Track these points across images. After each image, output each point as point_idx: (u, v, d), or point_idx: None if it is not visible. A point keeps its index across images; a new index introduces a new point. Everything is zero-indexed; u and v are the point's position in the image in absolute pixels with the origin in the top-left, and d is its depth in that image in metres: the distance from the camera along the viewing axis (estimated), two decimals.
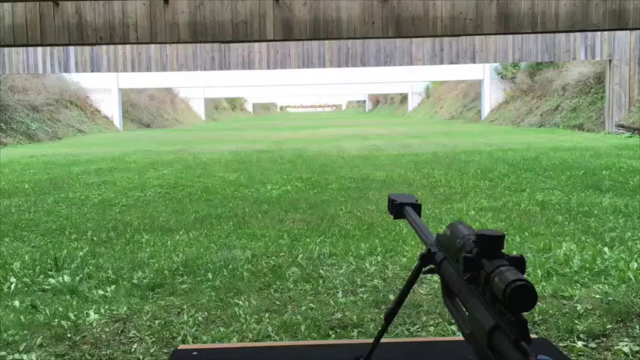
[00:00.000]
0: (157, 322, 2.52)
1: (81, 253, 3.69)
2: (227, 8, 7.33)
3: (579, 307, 2.59)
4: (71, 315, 2.59)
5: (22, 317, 2.58)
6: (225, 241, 3.99)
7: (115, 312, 2.65)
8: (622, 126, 14.64)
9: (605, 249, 3.48)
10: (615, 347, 2.20)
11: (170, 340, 2.34)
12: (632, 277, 2.94)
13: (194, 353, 1.08)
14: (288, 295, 2.83)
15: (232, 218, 4.81)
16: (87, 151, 12.81)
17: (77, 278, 3.15)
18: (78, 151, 12.90)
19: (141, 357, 2.20)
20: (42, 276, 3.22)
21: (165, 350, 2.23)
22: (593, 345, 2.23)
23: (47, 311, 2.65)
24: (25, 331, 2.43)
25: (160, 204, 5.72)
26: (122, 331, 2.44)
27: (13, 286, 3.04)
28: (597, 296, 2.72)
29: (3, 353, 2.23)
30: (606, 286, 2.85)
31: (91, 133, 21.16)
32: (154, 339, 2.35)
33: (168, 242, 3.98)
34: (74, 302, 2.79)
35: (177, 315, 2.61)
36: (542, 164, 8.21)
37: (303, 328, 2.42)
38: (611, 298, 2.68)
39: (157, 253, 3.67)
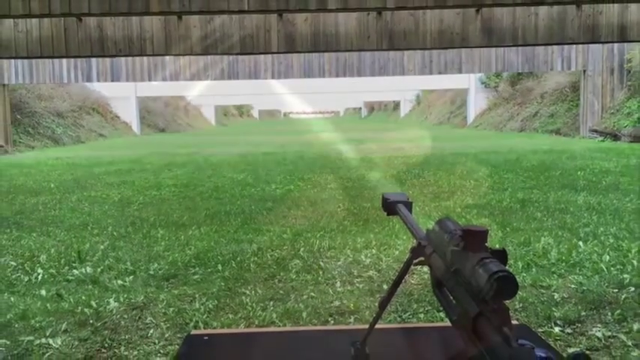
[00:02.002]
0: (172, 309, 2.52)
1: (102, 247, 3.69)
2: (235, 23, 7.32)
3: (556, 295, 2.59)
4: (93, 303, 2.58)
5: (48, 305, 2.58)
6: (234, 235, 3.99)
7: (133, 300, 2.65)
8: (595, 131, 14.63)
9: (580, 243, 3.48)
10: (589, 332, 2.20)
11: (183, 325, 2.34)
12: (604, 268, 2.94)
13: (205, 338, 1.08)
14: (290, 285, 2.83)
15: (240, 215, 4.81)
16: (107, 154, 12.80)
17: (98, 269, 3.15)
18: (99, 154, 12.89)
19: (157, 341, 2.19)
20: (66, 267, 3.22)
21: (179, 335, 2.23)
22: (569, 330, 2.23)
23: (71, 299, 2.65)
24: (51, 318, 2.43)
25: (174, 202, 5.72)
26: (139, 318, 2.44)
27: (40, 277, 3.04)
28: (573, 286, 2.72)
29: (31, 338, 2.23)
30: (581, 276, 2.85)
31: (111, 137, 21.15)
32: (168, 325, 2.35)
33: (182, 237, 3.98)
34: (96, 291, 2.79)
35: (190, 303, 2.61)
36: (523, 165, 8.21)
37: (304, 314, 2.42)
38: (585, 288, 2.67)
39: (171, 247, 3.67)
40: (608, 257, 3.13)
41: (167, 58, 14.92)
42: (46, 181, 7.76)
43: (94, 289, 2.84)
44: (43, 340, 2.21)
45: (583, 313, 2.37)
